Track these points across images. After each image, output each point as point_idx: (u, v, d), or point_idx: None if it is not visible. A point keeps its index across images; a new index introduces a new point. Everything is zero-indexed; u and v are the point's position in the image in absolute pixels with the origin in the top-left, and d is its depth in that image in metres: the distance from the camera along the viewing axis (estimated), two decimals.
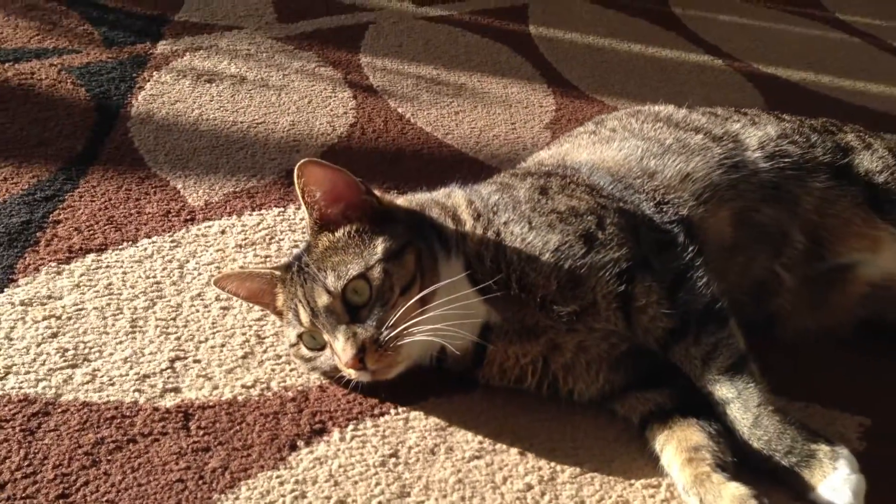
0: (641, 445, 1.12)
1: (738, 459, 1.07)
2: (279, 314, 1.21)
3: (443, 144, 1.76)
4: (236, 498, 1.01)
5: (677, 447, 1.07)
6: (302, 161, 1.11)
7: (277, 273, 1.17)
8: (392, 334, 1.06)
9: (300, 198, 1.13)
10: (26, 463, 1.02)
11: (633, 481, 1.08)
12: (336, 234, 1.12)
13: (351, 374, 1.10)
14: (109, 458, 1.04)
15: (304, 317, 1.12)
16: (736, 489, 1.00)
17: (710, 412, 1.09)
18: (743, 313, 1.23)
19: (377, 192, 1.17)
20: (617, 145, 1.31)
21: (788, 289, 1.29)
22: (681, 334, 1.11)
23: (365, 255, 1.09)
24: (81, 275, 1.32)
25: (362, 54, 2.08)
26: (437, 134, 1.79)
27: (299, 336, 1.14)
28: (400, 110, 1.86)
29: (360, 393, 1.16)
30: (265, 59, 2.00)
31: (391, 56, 2.09)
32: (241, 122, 1.76)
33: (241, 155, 1.66)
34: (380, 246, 1.10)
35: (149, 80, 1.86)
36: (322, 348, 1.13)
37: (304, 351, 1.15)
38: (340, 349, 1.08)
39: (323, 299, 1.09)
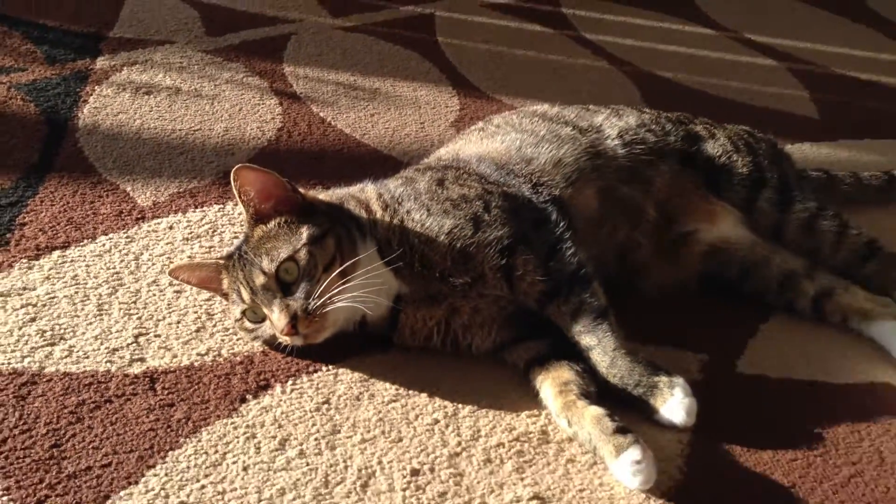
0: (526, 385, 1.38)
1: (601, 391, 1.35)
2: (225, 296, 1.44)
3: (361, 144, 2.01)
4: (198, 440, 1.25)
5: (552, 383, 1.34)
6: (237, 166, 1.35)
7: (222, 262, 1.41)
8: (318, 303, 1.31)
9: (237, 197, 1.37)
10: (21, 422, 1.24)
11: (519, 412, 1.35)
12: (268, 226, 1.36)
13: (286, 339, 1.34)
14: (91, 415, 1.27)
15: (246, 295, 1.35)
16: (594, 410, 1.27)
17: (578, 355, 1.37)
18: (610, 271, 1.53)
19: (301, 189, 1.42)
20: (500, 138, 1.58)
21: (645, 251, 1.58)
22: (553, 295, 1.38)
23: (293, 240, 1.34)
24: (50, 269, 1.53)
25: (286, 64, 2.30)
26: (356, 135, 2.04)
27: (242, 312, 1.38)
28: (322, 114, 2.10)
29: (296, 356, 1.41)
30: (197, 71, 2.21)
31: (312, 65, 2.32)
32: (180, 130, 1.97)
33: (181, 159, 1.88)
34: (304, 233, 1.34)
35: (91, 94, 2.06)
36: (262, 321, 1.37)
37: (248, 324, 1.39)
38: (276, 319, 1.32)
39: (260, 279, 1.33)
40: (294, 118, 2.07)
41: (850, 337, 1.55)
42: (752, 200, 1.62)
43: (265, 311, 1.35)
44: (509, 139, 1.57)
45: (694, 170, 1.63)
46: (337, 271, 1.33)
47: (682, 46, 2.66)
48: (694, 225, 1.60)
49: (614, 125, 1.63)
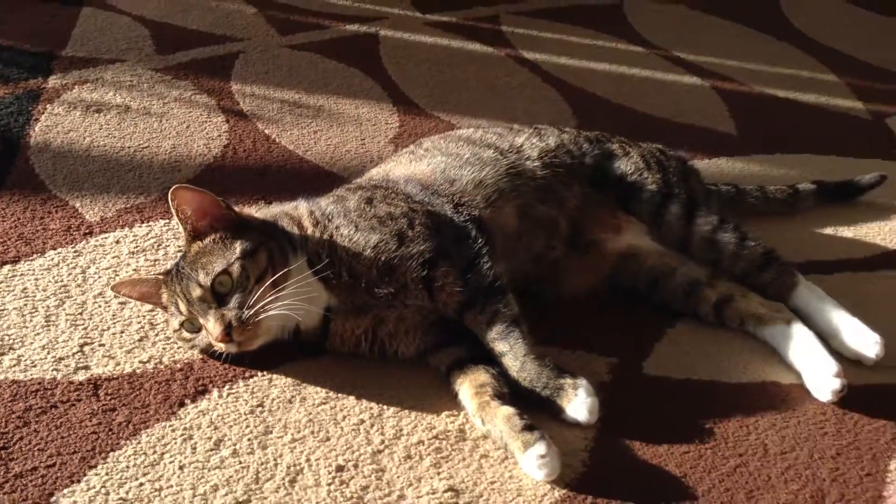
0: (447, 387, 1.49)
1: (516, 393, 1.47)
2: (165, 308, 1.54)
3: (303, 160, 2.11)
4: (138, 442, 1.35)
5: (469, 385, 1.46)
6: (174, 187, 1.45)
7: (161, 277, 1.51)
8: (251, 312, 1.42)
9: (175, 216, 1.47)
10: None
11: (439, 413, 1.47)
12: (204, 242, 1.47)
13: (221, 347, 1.45)
14: (37, 419, 1.36)
15: (183, 307, 1.46)
16: (505, 410, 1.39)
17: (493, 360, 1.49)
18: (529, 280, 1.66)
19: (236, 208, 1.53)
20: (427, 161, 1.70)
21: (559, 260, 1.71)
22: (471, 305, 1.50)
23: (227, 255, 1.44)
24: (1, 282, 1.62)
25: (233, 82, 2.41)
26: (299, 151, 2.14)
27: (181, 323, 1.49)
28: (267, 131, 2.20)
29: (233, 363, 1.51)
30: (147, 90, 2.31)
31: (259, 82, 2.42)
32: (129, 147, 2.07)
33: (129, 176, 1.97)
34: (238, 248, 1.45)
35: (43, 113, 2.15)
36: (199, 331, 1.48)
37: (186, 334, 1.49)
38: (212, 328, 1.42)
39: (196, 292, 1.44)
40: (240, 135, 2.17)
41: (747, 340, 1.68)
42: (660, 215, 1.75)
43: (202, 321, 1.45)
44: (435, 162, 1.68)
45: (606, 186, 1.76)
46: (268, 282, 1.44)
47: (614, 64, 2.80)
48: (602, 235, 1.74)
49: (535, 146, 1.75)
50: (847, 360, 1.64)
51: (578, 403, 1.43)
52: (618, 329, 1.70)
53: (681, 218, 1.75)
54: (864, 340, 1.64)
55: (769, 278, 1.75)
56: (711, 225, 1.75)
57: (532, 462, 1.35)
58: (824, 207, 2.11)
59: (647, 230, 1.77)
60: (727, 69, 2.86)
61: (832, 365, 1.56)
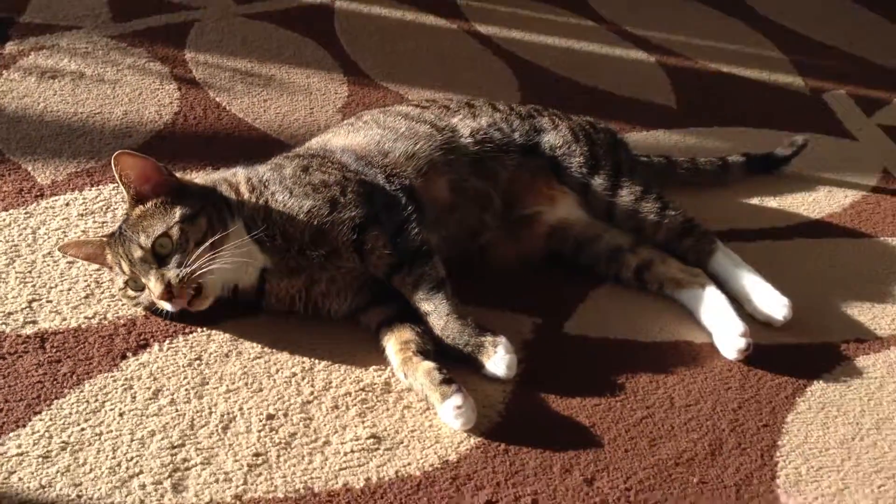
0: (376, 344, 1.59)
1: (443, 350, 1.56)
2: (110, 268, 1.62)
3: (252, 128, 2.19)
4: (81, 391, 1.44)
5: (395, 342, 1.55)
6: (117, 153, 1.53)
7: (105, 239, 1.59)
8: (188, 271, 1.50)
9: (118, 180, 1.55)
10: None
11: (367, 367, 1.56)
12: (146, 206, 1.55)
13: (164, 304, 1.53)
14: None
15: (126, 268, 1.54)
16: (426, 365, 1.49)
17: (419, 319, 1.58)
18: (463, 250, 1.75)
19: (178, 174, 1.61)
20: (364, 133, 1.78)
21: (494, 232, 1.79)
22: (398, 268, 1.59)
23: (167, 219, 1.52)
24: None
25: (187, 50, 2.46)
26: (248, 119, 2.21)
27: (125, 282, 1.57)
28: (217, 99, 2.27)
29: (175, 320, 1.59)
30: (101, 56, 2.36)
31: (212, 51, 2.48)
32: (81, 113, 2.13)
33: (81, 141, 2.04)
34: (178, 212, 1.53)
35: (0, 79, 2.20)
36: (142, 289, 1.56)
37: (130, 293, 1.57)
38: (153, 286, 1.51)
39: (138, 253, 1.52)
40: (191, 103, 2.23)
41: (666, 303, 1.79)
42: (586, 185, 1.84)
43: (144, 280, 1.53)
44: (371, 134, 1.76)
45: (538, 158, 1.85)
46: (206, 244, 1.52)
47: (564, 38, 2.87)
48: (536, 208, 1.83)
49: (468, 125, 1.83)
50: (759, 322, 1.76)
51: (497, 359, 1.53)
52: (544, 291, 1.80)
53: (606, 189, 1.84)
54: (773, 303, 1.75)
55: (689, 245, 1.85)
56: (634, 195, 1.84)
57: (449, 412, 1.45)
58: (753, 178, 2.22)
59: (579, 200, 1.86)
60: (675, 44, 2.94)
61: (739, 326, 1.66)
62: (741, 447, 1.51)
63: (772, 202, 2.16)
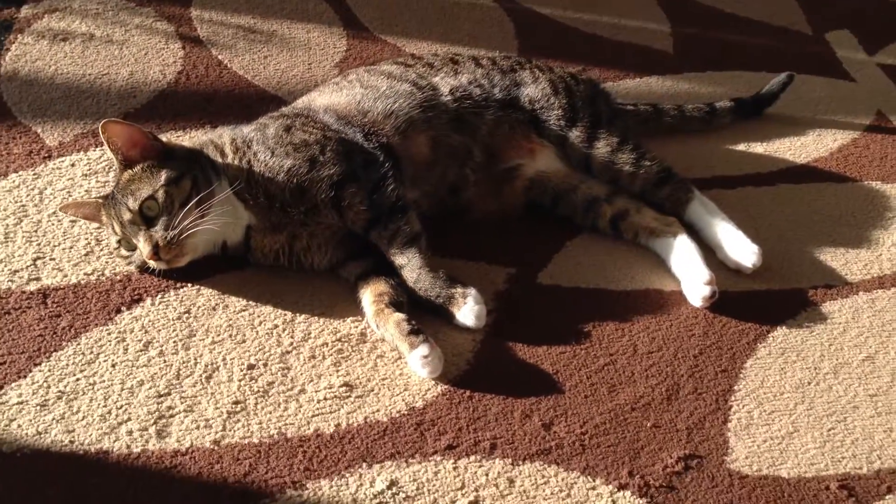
0: (353, 296, 1.69)
1: (417, 302, 1.65)
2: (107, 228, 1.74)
3: (251, 85, 2.27)
4: (78, 344, 1.56)
5: (370, 294, 1.65)
6: (103, 121, 1.63)
7: (101, 200, 1.70)
8: (175, 232, 1.60)
9: (106, 147, 1.65)
10: None
11: (345, 318, 1.66)
12: (134, 170, 1.65)
13: (153, 264, 1.64)
14: None
15: (118, 229, 1.65)
16: (397, 316, 1.58)
17: (394, 272, 1.67)
18: (445, 205, 1.83)
19: (163, 138, 1.70)
20: (346, 92, 1.85)
21: (474, 186, 1.86)
22: (375, 223, 1.68)
23: (153, 182, 1.62)
24: None
25: (193, 8, 2.53)
26: (248, 76, 2.29)
27: (118, 242, 1.68)
28: (220, 57, 2.35)
29: (166, 277, 1.71)
30: (111, 17, 2.45)
31: (217, 8, 2.55)
32: (90, 75, 2.23)
33: (88, 102, 2.14)
34: (163, 175, 1.63)
35: (14, 43, 2.31)
36: (134, 249, 1.67)
37: (123, 252, 1.69)
38: (141, 247, 1.62)
39: (127, 216, 1.62)
40: (194, 61, 2.32)
41: (640, 252, 1.85)
42: (564, 138, 1.89)
43: (133, 241, 1.64)
44: (353, 93, 1.83)
45: (518, 112, 1.90)
46: (191, 206, 1.62)
47: None
48: (516, 161, 1.89)
49: (448, 83, 1.88)
50: (730, 269, 1.81)
51: (467, 310, 1.62)
52: (521, 241, 1.87)
53: (583, 141, 1.88)
54: (743, 251, 1.80)
55: (665, 194, 1.90)
56: (611, 147, 1.88)
57: (417, 361, 1.54)
58: (742, 123, 2.24)
59: (558, 152, 1.91)
60: None
61: (704, 274, 1.72)
62: (697, 392, 1.58)
63: (758, 147, 2.18)
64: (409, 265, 1.64)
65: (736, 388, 1.60)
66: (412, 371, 1.57)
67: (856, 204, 2.03)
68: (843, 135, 2.25)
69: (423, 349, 1.54)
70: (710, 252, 1.83)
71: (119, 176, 1.67)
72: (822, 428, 1.54)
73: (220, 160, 1.70)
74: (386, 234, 1.67)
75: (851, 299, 1.79)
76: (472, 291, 1.63)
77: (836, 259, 1.87)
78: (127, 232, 1.64)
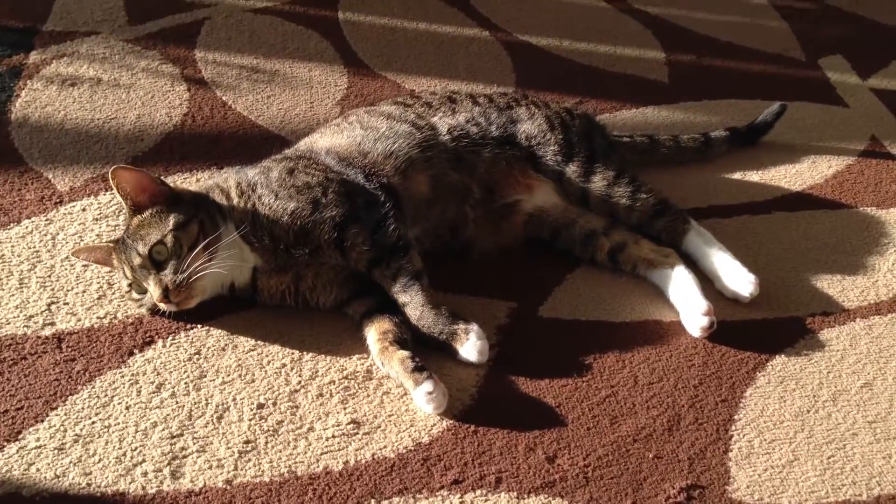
0: (359, 334, 1.73)
1: (422, 338, 1.69)
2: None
3: (255, 125, 2.32)
4: (93, 387, 1.60)
5: (375, 331, 1.69)
6: (113, 168, 1.68)
7: (112, 245, 1.75)
8: (184, 276, 1.65)
9: (116, 193, 1.70)
10: None
11: (351, 356, 1.70)
12: (143, 215, 1.70)
13: (163, 307, 1.69)
14: (10, 369, 1.62)
15: (128, 273, 1.70)
16: (401, 353, 1.62)
17: (398, 309, 1.71)
18: (445, 241, 1.88)
19: (171, 183, 1.75)
20: (347, 134, 1.90)
21: (474, 223, 1.90)
22: (377, 262, 1.72)
23: (161, 227, 1.67)
24: None
25: (197, 49, 2.59)
26: (252, 117, 2.35)
27: (129, 286, 1.73)
28: (224, 98, 2.40)
29: (177, 319, 1.75)
30: (117, 61, 2.51)
31: (221, 49, 2.61)
32: (98, 119, 2.29)
33: (97, 147, 2.19)
34: (171, 220, 1.68)
35: (24, 88, 2.36)
36: (145, 293, 1.71)
37: (134, 295, 1.73)
38: (152, 290, 1.66)
39: (137, 260, 1.67)
40: (199, 103, 2.37)
41: (638, 283, 1.89)
42: (560, 173, 1.93)
43: (144, 285, 1.69)
44: (353, 135, 1.88)
45: (515, 149, 1.94)
46: (199, 249, 1.67)
47: (565, 16, 2.92)
48: (515, 196, 1.93)
49: (446, 123, 1.93)
50: (728, 299, 1.85)
51: (469, 346, 1.66)
52: (522, 276, 1.91)
53: (579, 176, 1.92)
54: (740, 281, 1.84)
55: (662, 226, 1.94)
56: (607, 181, 1.92)
57: (422, 397, 1.58)
58: (737, 151, 2.28)
59: (555, 187, 1.95)
60: (678, 18, 2.96)
61: (702, 304, 1.76)
62: (698, 422, 1.61)
63: (754, 176, 2.23)
64: (412, 303, 1.69)
65: (736, 417, 1.63)
66: (417, 407, 1.60)
67: (851, 230, 2.07)
68: (838, 161, 2.29)
69: (428, 386, 1.58)
70: (707, 282, 1.87)
71: (129, 221, 1.72)
72: (821, 456, 1.57)
73: (225, 203, 1.75)
74: (388, 272, 1.71)
75: (849, 326, 1.82)
76: (474, 327, 1.67)
77: (832, 286, 1.91)
78: (137, 276, 1.69)
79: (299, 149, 1.92)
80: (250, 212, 1.73)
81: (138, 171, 1.71)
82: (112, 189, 1.75)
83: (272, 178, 1.77)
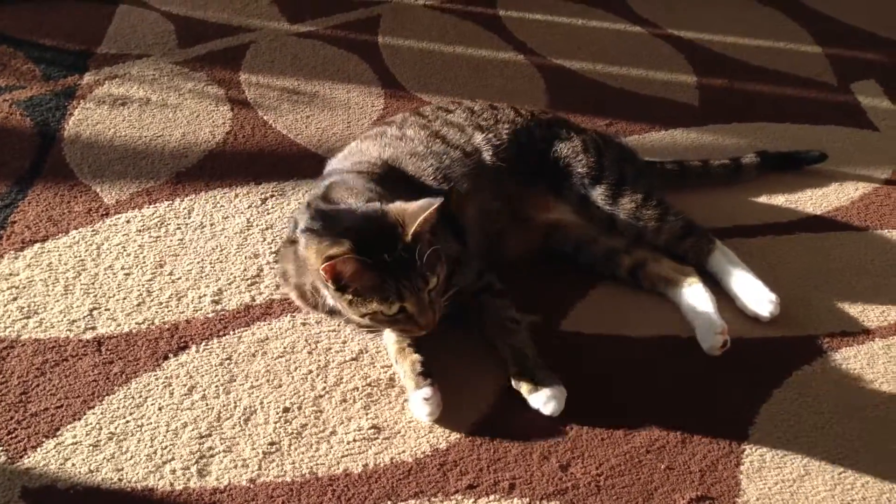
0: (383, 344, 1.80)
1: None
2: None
3: (294, 144, 2.41)
4: (128, 388, 1.69)
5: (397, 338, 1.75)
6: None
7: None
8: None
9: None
10: (0, 376, 1.70)
11: (375, 364, 1.76)
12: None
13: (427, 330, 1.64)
14: (51, 370, 1.72)
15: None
16: (414, 356, 1.68)
17: None
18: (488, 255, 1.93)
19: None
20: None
21: (502, 229, 1.96)
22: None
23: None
24: (31, 258, 1.97)
25: (242, 72, 2.70)
26: (291, 135, 2.44)
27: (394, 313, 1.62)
28: (265, 118, 2.50)
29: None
30: (166, 82, 2.62)
31: (264, 72, 2.71)
32: (145, 137, 2.40)
33: (143, 163, 2.30)
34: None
35: (77, 108, 2.49)
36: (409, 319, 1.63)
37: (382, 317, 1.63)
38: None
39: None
40: (241, 122, 2.47)
41: (659, 300, 1.92)
42: (587, 196, 1.97)
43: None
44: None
45: (541, 174, 2.00)
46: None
47: (599, 40, 2.98)
48: (533, 212, 1.98)
49: (489, 141, 1.98)
50: (748, 316, 1.88)
51: (543, 397, 1.67)
52: (547, 290, 1.96)
53: (607, 198, 1.96)
54: (761, 300, 1.87)
55: (688, 246, 1.97)
56: (635, 203, 1.96)
57: (418, 400, 1.64)
58: (766, 175, 2.31)
59: (573, 210, 2.00)
60: (711, 43, 2.99)
61: (717, 324, 1.79)
62: (711, 436, 1.64)
63: (780, 198, 2.24)
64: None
65: (750, 432, 1.66)
66: (411, 409, 1.66)
67: (875, 252, 2.08)
68: (865, 185, 2.30)
69: (427, 391, 1.64)
70: (730, 300, 1.90)
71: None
72: (832, 471, 1.59)
73: None
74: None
75: (867, 345, 1.83)
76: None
77: (853, 306, 1.92)
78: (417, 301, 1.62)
79: None
80: None
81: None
82: (148, 204, 1.83)
83: None
